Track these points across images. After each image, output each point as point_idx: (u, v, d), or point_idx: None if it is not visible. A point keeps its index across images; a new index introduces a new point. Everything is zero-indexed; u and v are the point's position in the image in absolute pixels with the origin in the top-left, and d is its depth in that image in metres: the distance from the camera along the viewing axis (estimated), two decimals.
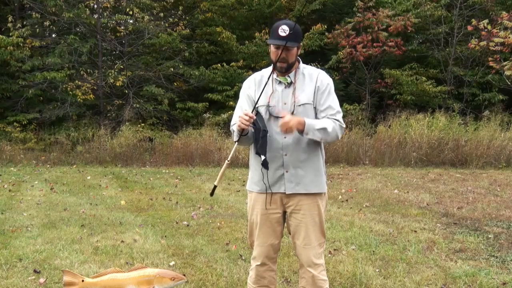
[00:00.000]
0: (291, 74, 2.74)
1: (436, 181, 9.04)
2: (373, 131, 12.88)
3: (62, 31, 15.37)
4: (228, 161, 2.71)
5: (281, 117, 2.63)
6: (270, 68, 2.82)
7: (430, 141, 11.69)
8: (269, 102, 2.71)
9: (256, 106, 2.73)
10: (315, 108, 2.71)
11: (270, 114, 2.69)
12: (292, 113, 2.66)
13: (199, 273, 3.98)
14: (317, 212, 2.74)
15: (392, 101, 15.45)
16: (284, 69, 2.69)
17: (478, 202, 7.06)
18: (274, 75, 2.76)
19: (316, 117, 2.71)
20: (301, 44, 2.79)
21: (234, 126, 2.70)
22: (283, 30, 2.59)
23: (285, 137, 2.66)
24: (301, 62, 2.79)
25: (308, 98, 2.70)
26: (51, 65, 13.56)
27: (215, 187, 2.74)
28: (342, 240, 4.97)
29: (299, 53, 2.74)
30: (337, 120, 2.68)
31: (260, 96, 2.67)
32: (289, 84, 2.73)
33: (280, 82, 2.74)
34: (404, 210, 6.52)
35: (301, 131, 2.58)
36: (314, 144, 2.71)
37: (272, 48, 2.69)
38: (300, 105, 2.68)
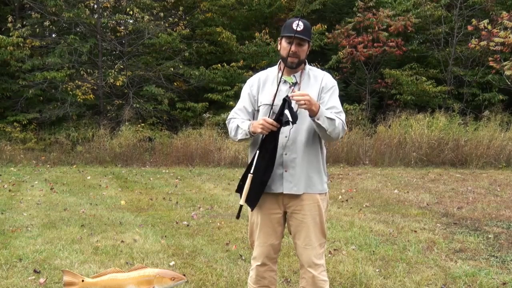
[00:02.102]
0: (297, 74, 2.75)
1: (436, 181, 9.04)
2: (373, 131, 12.88)
3: (62, 31, 15.38)
4: (251, 173, 2.63)
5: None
6: (275, 67, 2.83)
7: (430, 141, 11.69)
8: (273, 101, 2.71)
9: (259, 105, 2.75)
10: None
11: (273, 113, 2.69)
12: (295, 112, 2.66)
13: (199, 273, 3.98)
14: (318, 212, 2.74)
15: (392, 101, 15.46)
16: (295, 64, 2.69)
17: (478, 202, 7.06)
18: (280, 74, 2.76)
19: None
20: (311, 43, 2.79)
21: (241, 124, 2.70)
22: (298, 25, 2.63)
23: (286, 137, 2.66)
24: (307, 63, 2.79)
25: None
26: (51, 65, 13.56)
27: (241, 207, 2.65)
28: (342, 240, 4.97)
29: (308, 52, 2.75)
30: (341, 120, 2.69)
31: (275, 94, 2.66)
32: (294, 84, 2.73)
33: (285, 81, 2.74)
34: (404, 210, 6.52)
35: (314, 114, 2.54)
36: (314, 145, 2.71)
37: (283, 44, 2.69)
38: None
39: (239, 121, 2.75)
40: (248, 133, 2.66)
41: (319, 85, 2.72)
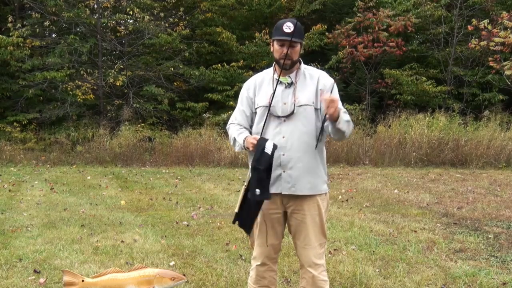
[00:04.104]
0: (292, 75, 2.75)
1: (436, 181, 9.04)
2: (373, 131, 12.88)
3: (62, 31, 15.37)
4: (245, 186, 2.68)
5: (281, 116, 2.65)
6: (271, 68, 2.83)
7: (430, 141, 11.69)
8: (270, 102, 2.71)
9: (256, 107, 2.76)
10: (316, 109, 2.70)
11: (270, 114, 2.69)
12: (292, 112, 2.66)
13: (199, 273, 3.98)
14: (318, 212, 2.74)
15: (392, 101, 15.45)
16: (288, 65, 2.69)
17: (478, 202, 7.06)
18: (275, 76, 2.77)
19: (317, 119, 2.71)
20: (303, 42, 2.80)
21: (237, 137, 2.73)
22: (288, 26, 2.63)
23: (283, 137, 2.67)
24: (302, 62, 2.79)
25: (308, 99, 2.69)
26: (51, 65, 13.56)
27: (236, 214, 2.71)
28: (342, 240, 4.97)
29: (301, 51, 2.75)
30: None
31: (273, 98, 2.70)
32: (290, 85, 2.73)
33: (280, 82, 2.74)
34: (404, 210, 6.52)
35: (335, 120, 2.54)
36: (313, 144, 2.70)
37: (276, 46, 2.70)
38: (300, 106, 2.68)
39: (237, 131, 2.77)
40: (243, 147, 2.69)
41: (316, 85, 2.72)
